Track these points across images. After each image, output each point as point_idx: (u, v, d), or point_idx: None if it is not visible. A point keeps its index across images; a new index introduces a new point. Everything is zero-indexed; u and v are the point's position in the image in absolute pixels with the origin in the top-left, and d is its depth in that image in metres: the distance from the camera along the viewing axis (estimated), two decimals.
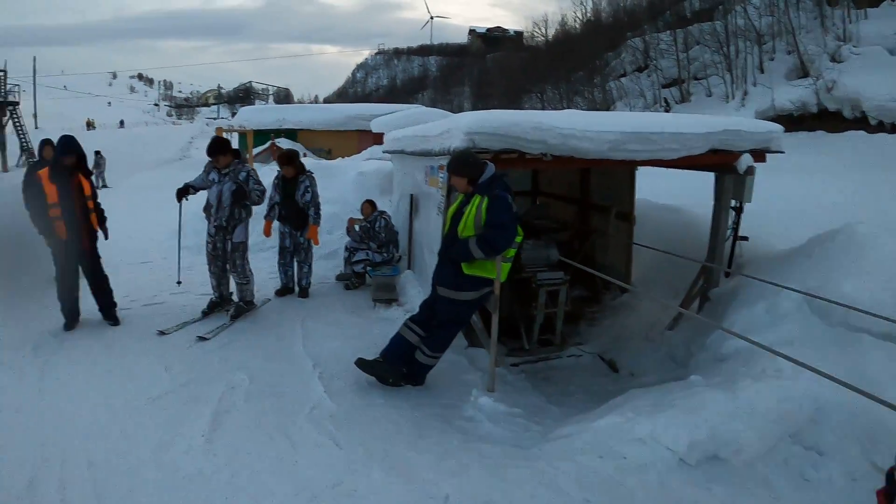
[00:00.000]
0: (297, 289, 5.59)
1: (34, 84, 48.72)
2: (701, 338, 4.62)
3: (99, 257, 4.79)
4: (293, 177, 5.33)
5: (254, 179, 4.67)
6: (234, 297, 5.03)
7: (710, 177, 4.90)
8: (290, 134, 21.74)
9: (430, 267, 4.56)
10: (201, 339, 4.40)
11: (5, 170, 25.14)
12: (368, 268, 5.61)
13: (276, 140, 20.41)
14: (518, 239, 3.59)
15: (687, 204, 6.46)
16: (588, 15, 46.90)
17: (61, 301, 4.64)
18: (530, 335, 5.02)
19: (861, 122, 9.11)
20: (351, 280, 5.73)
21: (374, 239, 5.64)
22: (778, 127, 4.68)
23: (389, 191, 7.49)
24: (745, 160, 4.56)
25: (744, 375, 3.05)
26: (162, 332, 4.54)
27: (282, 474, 2.74)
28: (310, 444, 3.01)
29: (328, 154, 20.46)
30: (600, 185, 6.34)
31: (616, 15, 42.42)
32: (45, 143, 5.76)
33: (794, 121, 9.26)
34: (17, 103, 28.65)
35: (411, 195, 5.45)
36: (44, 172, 4.56)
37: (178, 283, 5.39)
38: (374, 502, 2.54)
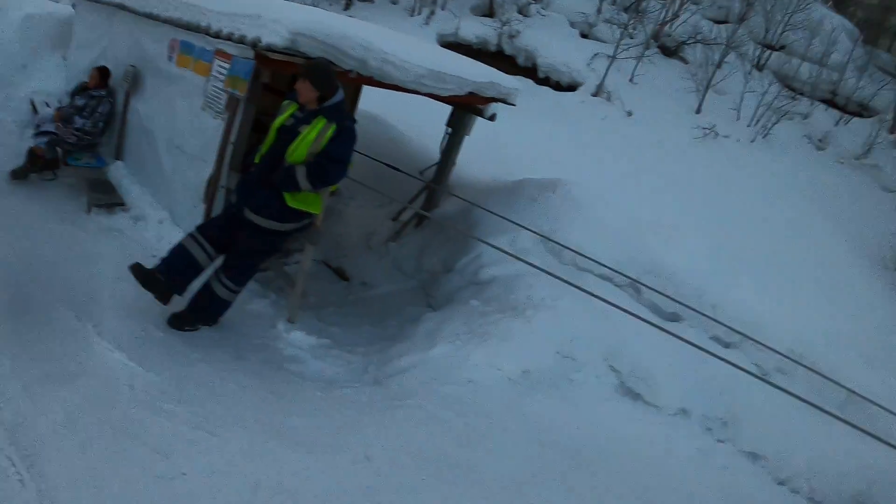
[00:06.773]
0: None
1: None
2: (430, 254, 5.30)
3: None
4: None
5: None
6: None
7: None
8: None
9: (165, 167, 4.16)
10: None
11: None
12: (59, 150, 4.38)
13: None
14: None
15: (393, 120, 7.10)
16: None
17: None
18: None
19: (531, 72, 11.11)
20: (24, 167, 4.28)
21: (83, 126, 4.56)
22: (519, 85, 5.56)
23: (60, 45, 6.02)
24: (493, 108, 5.42)
25: (525, 305, 4.05)
26: None
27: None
28: (172, 438, 2.44)
29: None
30: None
31: None
32: None
33: (472, 53, 10.43)
34: None
35: (132, 66, 4.47)
36: None
37: None
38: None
